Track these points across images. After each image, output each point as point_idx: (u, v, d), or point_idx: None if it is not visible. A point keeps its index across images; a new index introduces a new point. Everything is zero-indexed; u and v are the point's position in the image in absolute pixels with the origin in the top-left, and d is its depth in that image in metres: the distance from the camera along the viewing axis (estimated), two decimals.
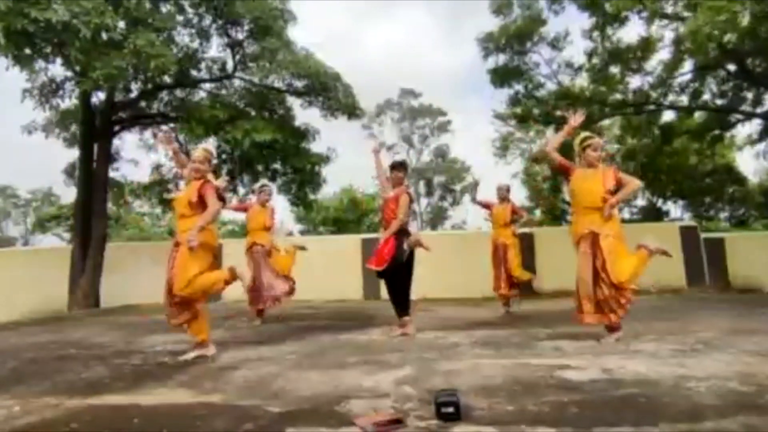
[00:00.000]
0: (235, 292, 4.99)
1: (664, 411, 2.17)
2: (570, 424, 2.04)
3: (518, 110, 11.97)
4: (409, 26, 55.82)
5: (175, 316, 3.66)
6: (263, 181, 6.81)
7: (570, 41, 11.25)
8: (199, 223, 3.57)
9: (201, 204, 3.69)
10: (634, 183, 3.98)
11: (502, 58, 11.25)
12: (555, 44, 11.17)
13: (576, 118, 4.18)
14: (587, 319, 3.84)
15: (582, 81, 12.23)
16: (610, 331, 3.87)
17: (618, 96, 11.48)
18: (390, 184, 4.82)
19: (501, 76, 11.32)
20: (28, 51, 6.96)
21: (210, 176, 3.84)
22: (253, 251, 5.76)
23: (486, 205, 6.60)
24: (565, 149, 4.46)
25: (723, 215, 20.65)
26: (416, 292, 4.94)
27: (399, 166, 4.85)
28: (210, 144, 4.02)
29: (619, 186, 3.90)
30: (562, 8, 10.55)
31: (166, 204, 11.55)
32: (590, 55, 11.12)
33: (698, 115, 12.90)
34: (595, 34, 10.63)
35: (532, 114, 11.60)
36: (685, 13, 9.28)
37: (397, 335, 4.50)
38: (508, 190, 6.52)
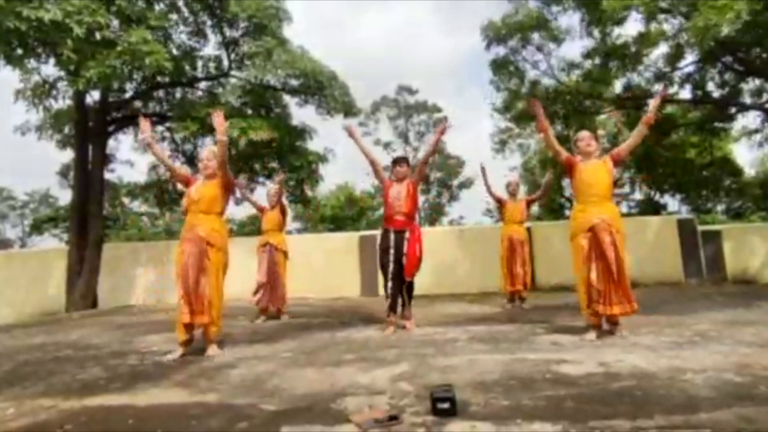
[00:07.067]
0: (235, 292, 5.00)
1: (660, 403, 2.17)
2: (566, 418, 2.04)
3: (518, 106, 11.92)
4: (407, 15, 55.62)
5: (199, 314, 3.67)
6: (275, 185, 6.94)
7: (572, 36, 11.18)
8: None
9: (224, 197, 3.90)
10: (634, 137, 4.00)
11: (503, 51, 11.20)
12: (556, 36, 11.07)
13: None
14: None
15: (579, 77, 12.18)
16: (616, 324, 3.88)
17: (616, 91, 11.45)
18: (380, 169, 4.88)
19: (500, 68, 11.27)
20: (20, 51, 6.92)
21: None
22: (265, 250, 5.95)
23: (498, 200, 6.53)
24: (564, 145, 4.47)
25: (720, 208, 20.69)
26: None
27: (403, 160, 4.86)
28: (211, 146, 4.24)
29: (619, 160, 4.04)
30: (564, 10, 10.47)
31: (164, 205, 11.52)
32: (588, 52, 11.06)
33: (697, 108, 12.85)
34: (595, 31, 10.56)
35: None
36: (683, 8, 9.22)
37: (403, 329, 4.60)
38: (517, 185, 6.52)
